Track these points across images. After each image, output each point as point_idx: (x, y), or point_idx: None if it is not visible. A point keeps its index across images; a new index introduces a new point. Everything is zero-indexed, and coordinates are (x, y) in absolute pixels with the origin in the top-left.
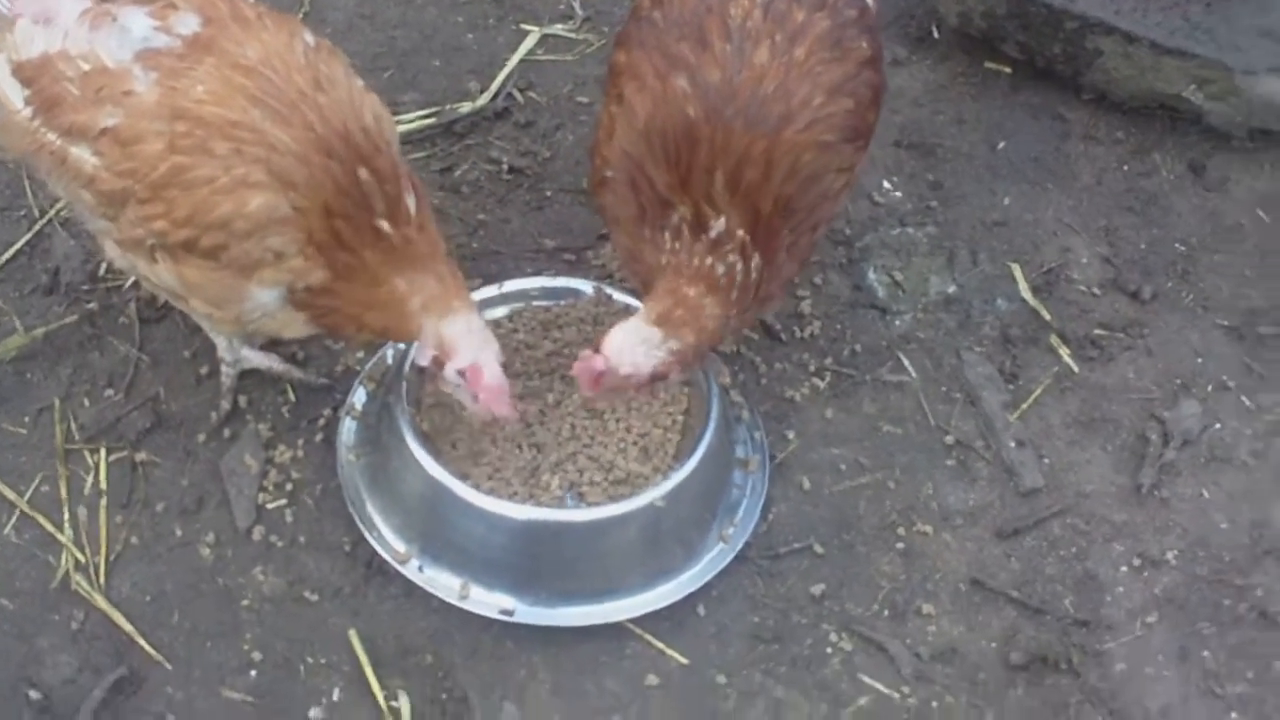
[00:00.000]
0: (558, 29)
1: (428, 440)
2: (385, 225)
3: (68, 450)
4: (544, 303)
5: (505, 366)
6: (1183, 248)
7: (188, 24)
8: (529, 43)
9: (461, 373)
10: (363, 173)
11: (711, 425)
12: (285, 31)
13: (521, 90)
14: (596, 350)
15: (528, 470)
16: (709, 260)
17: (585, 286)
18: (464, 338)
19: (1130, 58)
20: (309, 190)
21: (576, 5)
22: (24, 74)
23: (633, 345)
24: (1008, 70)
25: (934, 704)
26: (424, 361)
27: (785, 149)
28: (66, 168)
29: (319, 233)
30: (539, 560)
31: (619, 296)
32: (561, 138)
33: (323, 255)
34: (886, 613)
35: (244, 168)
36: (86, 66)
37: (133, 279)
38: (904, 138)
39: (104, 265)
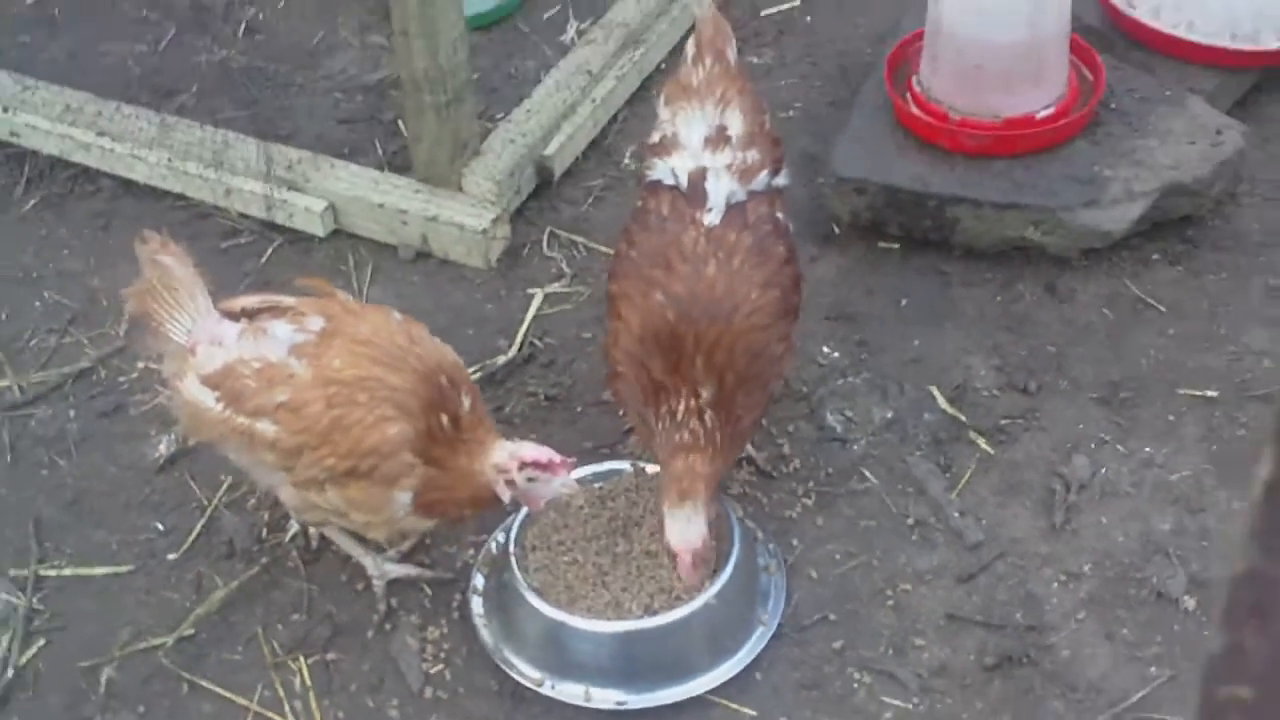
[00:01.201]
0: (555, 287)
1: (538, 594)
2: (449, 428)
3: (275, 663)
4: (596, 484)
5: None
6: (1053, 348)
7: (315, 323)
8: (536, 303)
9: (521, 469)
10: (443, 380)
11: (736, 542)
12: (381, 313)
13: (539, 339)
14: (674, 556)
15: (613, 604)
16: (685, 433)
17: (625, 466)
18: (503, 454)
19: (980, 218)
20: (420, 413)
21: (565, 267)
22: (212, 382)
23: (684, 528)
24: (896, 246)
25: (938, 705)
26: (505, 495)
27: (738, 333)
28: (254, 440)
29: (421, 441)
30: (635, 661)
31: (649, 468)
32: (578, 368)
33: (423, 457)
34: (890, 651)
35: (380, 409)
36: (257, 365)
37: (293, 531)
38: (831, 312)
39: (265, 530)
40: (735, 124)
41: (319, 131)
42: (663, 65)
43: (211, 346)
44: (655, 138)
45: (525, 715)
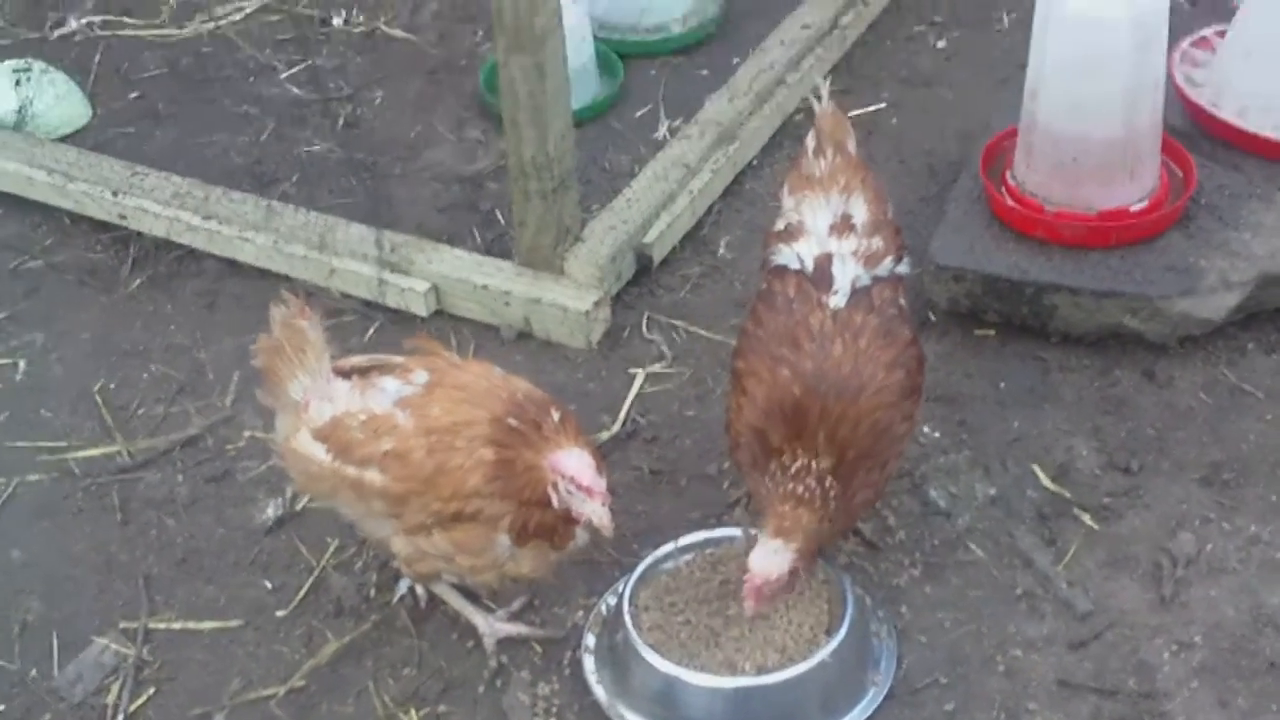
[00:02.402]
0: (656, 368)
1: (654, 650)
2: (528, 429)
3: (386, 715)
4: (708, 549)
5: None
6: (1153, 431)
7: (421, 377)
8: (638, 381)
9: (563, 479)
10: (520, 395)
11: (850, 602)
12: (484, 365)
13: (641, 416)
14: (747, 577)
15: (726, 663)
16: (795, 486)
17: (736, 532)
18: (557, 457)
19: (1078, 305)
20: (500, 424)
21: (665, 349)
22: (322, 435)
23: (767, 558)
24: (992, 333)
25: None
26: (554, 499)
27: (864, 411)
28: (364, 488)
29: (497, 432)
30: (750, 716)
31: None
32: (681, 443)
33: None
34: (1003, 715)
35: (478, 451)
36: (364, 417)
37: (401, 591)
38: (931, 394)
39: (373, 590)
40: (859, 212)
41: (419, 219)
42: (754, 161)
43: (323, 402)
44: (780, 225)
45: None
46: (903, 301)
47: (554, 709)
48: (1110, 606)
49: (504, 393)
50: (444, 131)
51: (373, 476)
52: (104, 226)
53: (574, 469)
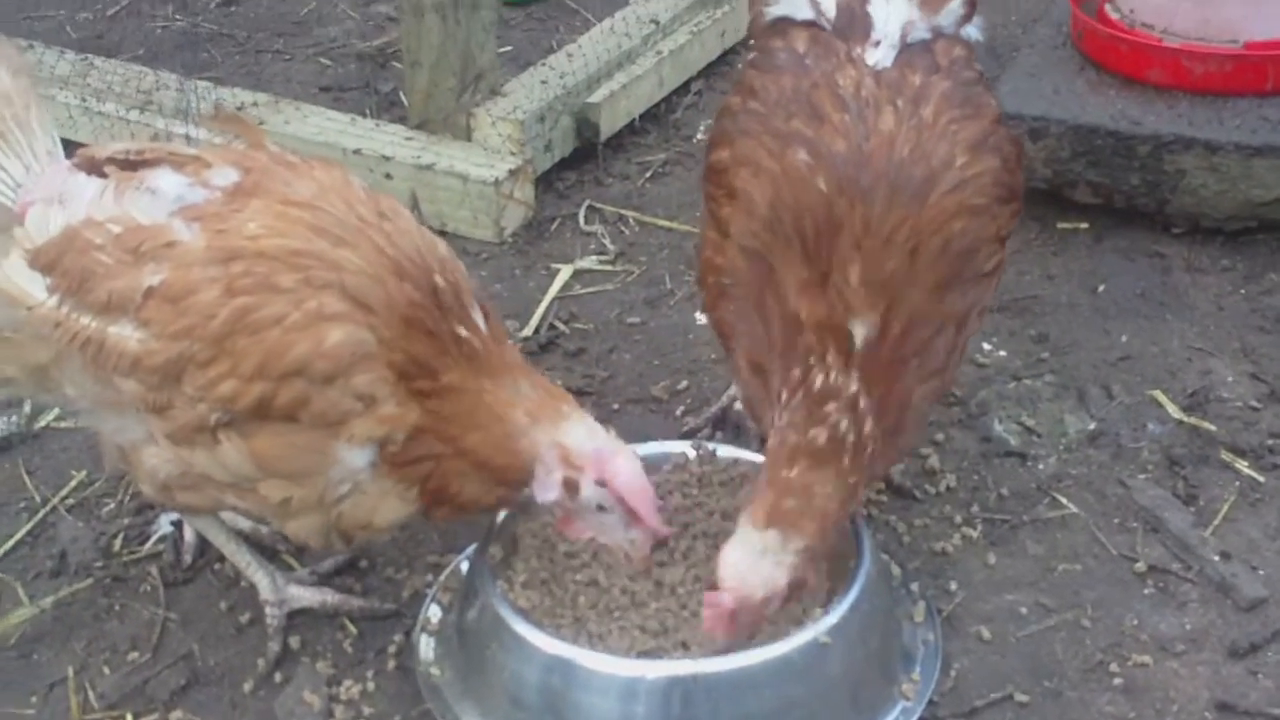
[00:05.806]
0: (591, 262)
1: (527, 618)
2: (462, 330)
3: None
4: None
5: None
6: None
7: (226, 176)
8: (562, 278)
9: (601, 483)
10: (439, 280)
11: (866, 553)
12: (338, 172)
13: (564, 322)
14: (712, 590)
15: (652, 647)
16: (818, 427)
17: (685, 449)
18: (590, 442)
19: (1217, 169)
20: (387, 314)
21: (608, 243)
22: (44, 259)
23: (753, 562)
24: (1084, 225)
25: None
26: (551, 494)
27: (932, 219)
28: (105, 356)
29: (400, 362)
30: None
31: (722, 451)
32: (618, 358)
33: (406, 386)
34: None
35: (316, 299)
36: (118, 229)
37: (159, 533)
38: (992, 301)
39: (119, 543)
40: None
41: (293, 98)
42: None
43: (49, 207)
44: None
45: None
46: (980, 69)
47: (361, 719)
48: None
49: (383, 239)
50: (345, 8)
51: (122, 334)
52: None
53: (626, 478)
